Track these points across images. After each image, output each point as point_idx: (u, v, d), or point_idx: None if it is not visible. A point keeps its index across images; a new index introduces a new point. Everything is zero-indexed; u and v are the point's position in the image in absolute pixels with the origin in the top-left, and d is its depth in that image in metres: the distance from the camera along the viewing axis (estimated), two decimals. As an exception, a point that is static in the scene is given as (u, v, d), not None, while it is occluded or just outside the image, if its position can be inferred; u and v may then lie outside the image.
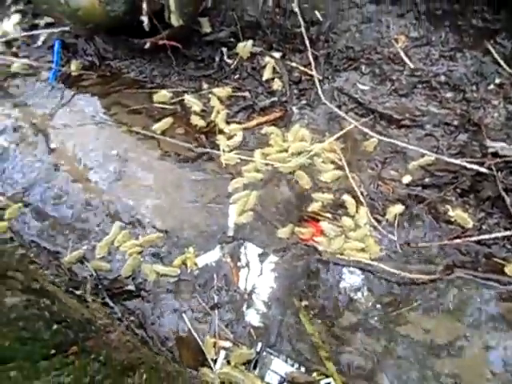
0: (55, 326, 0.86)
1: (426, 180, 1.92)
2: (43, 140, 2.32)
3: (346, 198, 1.93)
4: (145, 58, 2.38)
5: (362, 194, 1.92)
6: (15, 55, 2.62)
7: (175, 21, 1.82)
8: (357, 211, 1.90)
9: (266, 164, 2.04)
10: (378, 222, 1.88)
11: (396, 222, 1.86)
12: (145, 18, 1.79)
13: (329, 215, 1.93)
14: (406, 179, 1.93)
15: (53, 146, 2.29)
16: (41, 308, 0.87)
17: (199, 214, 2.00)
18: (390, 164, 1.98)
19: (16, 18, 2.71)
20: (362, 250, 1.84)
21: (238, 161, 2.08)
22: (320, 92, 2.06)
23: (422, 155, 1.91)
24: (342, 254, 1.83)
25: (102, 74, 2.49)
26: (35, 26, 2.65)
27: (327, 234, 1.88)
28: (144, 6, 1.75)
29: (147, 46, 2.03)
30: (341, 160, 2.01)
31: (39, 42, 2.62)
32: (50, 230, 2.03)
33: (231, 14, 2.16)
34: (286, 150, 2.08)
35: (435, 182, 1.89)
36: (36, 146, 2.30)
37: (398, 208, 1.88)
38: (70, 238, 1.99)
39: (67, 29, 2.33)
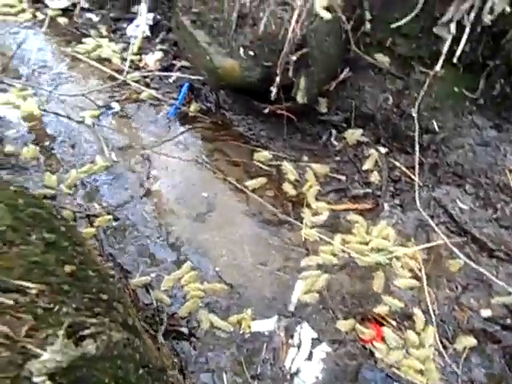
0: (141, 371, 0.90)
1: (508, 321, 1.80)
2: (146, 165, 2.52)
3: (417, 311, 1.86)
4: (258, 117, 2.55)
5: (434, 312, 1.84)
6: (147, 85, 2.93)
7: (300, 98, 1.95)
8: (424, 329, 1.82)
9: (344, 251, 2.05)
10: (445, 348, 1.78)
11: (464, 354, 1.75)
12: (274, 89, 1.94)
13: (394, 323, 1.86)
14: (486, 313, 1.83)
15: (153, 172, 2.48)
16: (134, 348, 0.92)
17: (266, 279, 2.02)
18: (471, 291, 1.89)
19: (158, 55, 3.06)
20: (421, 372, 1.74)
21: (318, 239, 2.11)
22: (417, 198, 2.06)
23: (509, 293, 1.81)
24: (398, 369, 1.74)
25: (215, 120, 2.69)
26: (172, 66, 2.97)
27: (388, 342, 1.80)
28: (277, 79, 1.90)
29: (266, 111, 2.18)
30: (420, 270, 1.96)
31: (170, 80, 2.92)
32: (128, 248, 2.16)
33: (349, 102, 2.27)
34: (367, 243, 2.07)
35: (518, 326, 1.77)
36: (138, 169, 2.50)
37: (470, 341, 1.77)
38: (143, 261, 2.10)
39: (199, 76, 2.57)
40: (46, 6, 3.73)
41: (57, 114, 2.82)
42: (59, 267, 0.88)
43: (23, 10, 3.77)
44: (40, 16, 3.70)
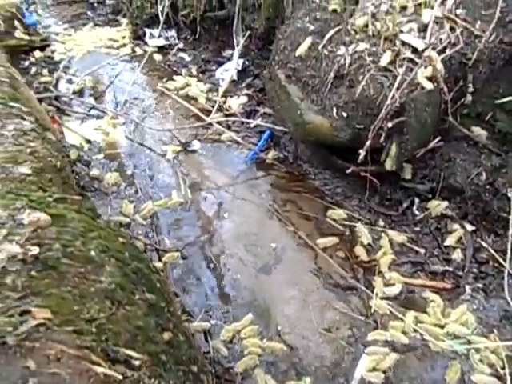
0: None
1: None
2: (219, 205, 2.54)
3: (497, 417, 1.65)
4: (335, 173, 2.51)
5: (517, 421, 1.63)
6: (228, 127, 3.01)
7: (389, 166, 1.89)
8: None
9: (416, 330, 1.89)
10: None
11: None
12: (363, 152, 1.90)
13: (468, 425, 1.66)
14: None
15: (224, 214, 2.49)
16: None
17: (329, 347, 1.91)
18: None
19: (243, 99, 3.15)
20: None
21: (388, 312, 1.97)
22: (505, 285, 1.89)
23: None
24: None
25: (291, 171, 2.69)
26: (255, 111, 3.04)
27: None
28: (368, 143, 1.86)
29: (348, 171, 2.13)
30: (503, 369, 1.76)
31: (251, 125, 2.98)
32: (191, 289, 2.14)
33: (437, 172, 2.17)
34: (443, 327, 1.91)
35: None
36: (211, 208, 2.52)
37: None
38: (204, 305, 2.07)
39: (282, 127, 2.60)
40: (145, 44, 4.02)
41: (141, 145, 2.95)
42: (158, 334, 0.86)
43: (124, 45, 4.10)
44: (138, 51, 4.00)
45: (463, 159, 2.08)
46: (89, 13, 4.91)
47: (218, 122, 3.02)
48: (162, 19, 3.57)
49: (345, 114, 1.92)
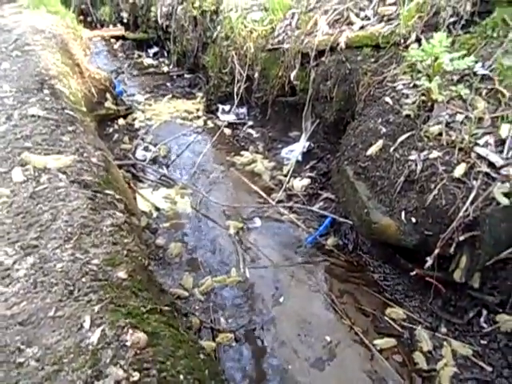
0: None
1: None
2: (276, 288, 2.55)
3: None
4: (397, 270, 2.46)
5: None
6: (290, 208, 3.09)
7: (458, 277, 1.85)
8: None
9: None
10: None
11: None
12: (430, 260, 1.87)
13: None
14: None
15: (280, 299, 2.49)
16: None
17: None
18: None
19: (306, 181, 3.25)
20: None
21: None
22: None
23: None
24: None
25: (350, 260, 2.67)
26: (317, 195, 3.11)
27: None
28: (436, 251, 1.84)
29: (413, 273, 2.09)
30: None
31: (313, 207, 3.03)
32: (242, 375, 2.12)
33: (509, 284, 2.07)
34: None
35: None
36: (268, 290, 2.54)
37: None
38: (253, 397, 2.03)
39: (345, 218, 2.63)
40: (217, 118, 4.31)
41: (206, 217, 3.08)
42: None
43: (198, 117, 4.42)
44: (210, 124, 4.29)
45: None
46: (168, 84, 5.39)
47: (280, 201, 3.11)
48: (236, 99, 3.83)
49: (414, 220, 1.93)
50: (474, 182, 1.79)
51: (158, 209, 3.13)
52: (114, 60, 6.36)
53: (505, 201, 1.75)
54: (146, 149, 3.85)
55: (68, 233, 1.25)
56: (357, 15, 2.88)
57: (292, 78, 3.12)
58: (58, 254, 1.18)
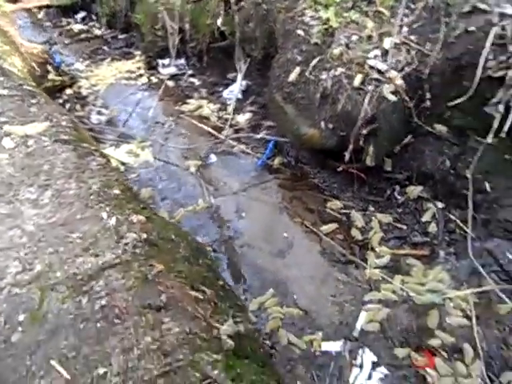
0: None
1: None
2: (238, 207, 3.08)
3: (466, 346, 2.15)
4: (331, 172, 3.04)
5: (482, 349, 2.13)
6: (238, 140, 3.56)
7: (368, 161, 2.42)
8: (472, 362, 2.11)
9: (403, 290, 2.41)
10: (491, 380, 2.05)
11: (509, 388, 2.01)
12: (347, 154, 2.43)
13: (445, 354, 2.17)
14: (531, 354, 2.08)
15: (243, 214, 3.03)
16: None
17: (335, 308, 2.44)
18: (518, 333, 2.16)
19: (249, 115, 3.70)
20: (468, 399, 2.02)
21: (380, 278, 2.49)
22: (469, 248, 2.39)
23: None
24: (447, 394, 2.05)
25: (295, 172, 3.22)
26: (260, 125, 3.59)
27: (439, 370, 2.12)
28: (350, 146, 2.40)
29: (339, 169, 2.66)
30: (471, 311, 2.26)
31: (258, 136, 3.52)
32: (224, 274, 2.69)
33: (411, 163, 2.68)
34: (424, 285, 2.41)
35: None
36: (232, 210, 3.06)
37: (515, 377, 2.03)
38: (236, 286, 2.61)
39: (284, 138, 3.13)
40: (159, 72, 4.60)
41: (168, 163, 3.52)
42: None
43: (141, 75, 4.69)
44: (153, 80, 4.58)
45: (430, 150, 2.60)
46: (104, 48, 5.51)
47: (229, 137, 3.57)
48: (172, 52, 4.13)
49: (331, 126, 2.46)
50: (369, 87, 2.32)
51: (123, 163, 3.52)
52: (42, 31, 6.29)
53: (392, 97, 2.29)
54: (99, 113, 4.14)
55: (68, 173, 1.67)
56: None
57: (219, 24, 3.47)
58: (67, 186, 1.61)
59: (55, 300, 1.30)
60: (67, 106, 4.22)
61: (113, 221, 1.45)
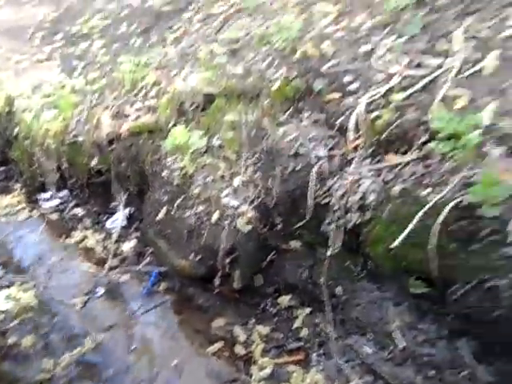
0: None
1: None
2: (128, 338, 3.13)
3: None
4: (211, 293, 3.27)
5: None
6: (123, 270, 3.69)
7: (236, 285, 2.73)
8: None
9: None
10: None
11: None
12: (217, 280, 2.72)
13: None
14: None
15: (133, 345, 3.08)
16: None
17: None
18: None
19: (133, 242, 3.89)
20: None
21: (265, 391, 2.69)
22: (332, 347, 2.73)
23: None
24: None
25: (180, 296, 3.40)
26: (143, 253, 3.77)
27: None
28: (219, 273, 2.70)
29: (215, 292, 2.93)
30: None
31: (140, 266, 3.68)
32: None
33: (277, 277, 3.06)
34: (302, 393, 2.66)
35: None
36: (122, 343, 3.10)
37: None
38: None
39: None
40: (40, 206, 4.65)
41: (51, 303, 3.48)
42: None
43: (23, 209, 4.68)
44: (35, 214, 4.60)
45: (289, 264, 3.01)
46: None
47: (116, 267, 3.69)
48: (52, 187, 4.26)
49: (199, 257, 2.76)
50: (225, 222, 2.70)
51: (1, 311, 3.40)
52: None
53: (247, 228, 2.69)
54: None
55: None
56: (131, 107, 3.66)
57: (94, 165, 3.75)
58: None
59: None
60: None
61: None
